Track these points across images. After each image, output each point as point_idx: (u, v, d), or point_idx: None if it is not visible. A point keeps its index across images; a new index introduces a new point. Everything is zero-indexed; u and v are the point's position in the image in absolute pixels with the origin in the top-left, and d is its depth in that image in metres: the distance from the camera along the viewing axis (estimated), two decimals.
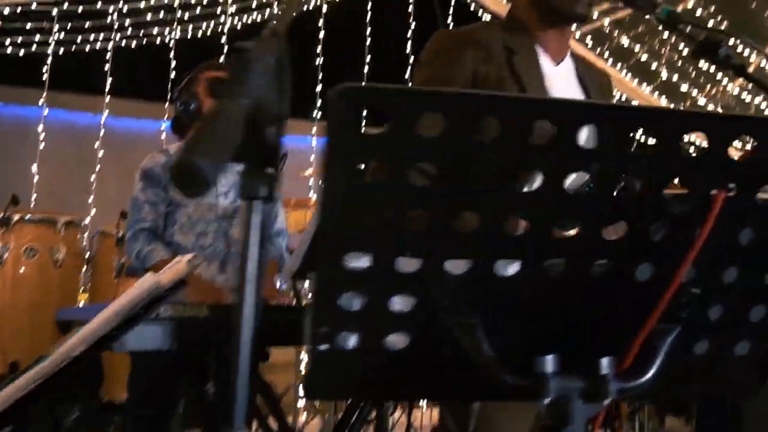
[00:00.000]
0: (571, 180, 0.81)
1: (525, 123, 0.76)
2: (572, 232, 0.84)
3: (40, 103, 6.59)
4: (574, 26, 1.91)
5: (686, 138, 0.79)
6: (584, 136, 0.78)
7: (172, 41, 7.19)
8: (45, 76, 6.69)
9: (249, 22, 7.46)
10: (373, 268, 0.83)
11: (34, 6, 6.47)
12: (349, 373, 0.91)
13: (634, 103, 7.55)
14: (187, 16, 7.15)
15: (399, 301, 0.87)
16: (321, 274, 0.84)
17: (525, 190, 0.81)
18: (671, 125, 0.78)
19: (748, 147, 0.82)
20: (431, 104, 0.75)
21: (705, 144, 0.79)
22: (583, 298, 0.88)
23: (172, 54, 7.10)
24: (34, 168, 6.39)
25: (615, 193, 0.81)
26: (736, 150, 0.83)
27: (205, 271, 2.75)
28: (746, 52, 5.97)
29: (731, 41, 1.42)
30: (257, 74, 0.76)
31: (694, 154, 0.80)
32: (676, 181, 0.83)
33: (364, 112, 0.75)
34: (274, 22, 0.87)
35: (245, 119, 0.73)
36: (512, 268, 0.86)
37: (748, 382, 1.02)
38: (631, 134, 0.78)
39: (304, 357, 4.05)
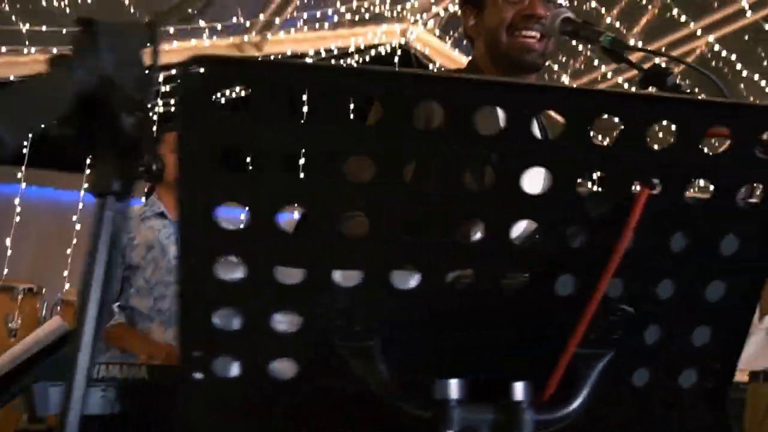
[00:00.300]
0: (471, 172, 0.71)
1: (406, 105, 0.66)
2: (477, 236, 0.74)
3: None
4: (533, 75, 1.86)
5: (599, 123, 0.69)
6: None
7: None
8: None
9: None
10: (249, 278, 0.72)
11: None
12: (230, 406, 0.79)
13: None
14: None
15: (282, 320, 0.76)
16: (186, 285, 0.73)
17: (422, 182, 0.71)
18: (579, 106, 0.68)
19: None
20: (298, 79, 0.66)
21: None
22: (494, 314, 0.77)
23: None
24: (8, 242, 6.32)
25: (522, 190, 0.71)
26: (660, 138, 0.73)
27: (164, 335, 2.65)
28: None
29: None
30: (107, 51, 0.67)
31: (607, 143, 0.71)
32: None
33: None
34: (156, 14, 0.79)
35: (84, 96, 0.64)
36: (412, 281, 0.75)
37: (703, 424, 0.89)
38: (533, 118, 0.69)
39: None
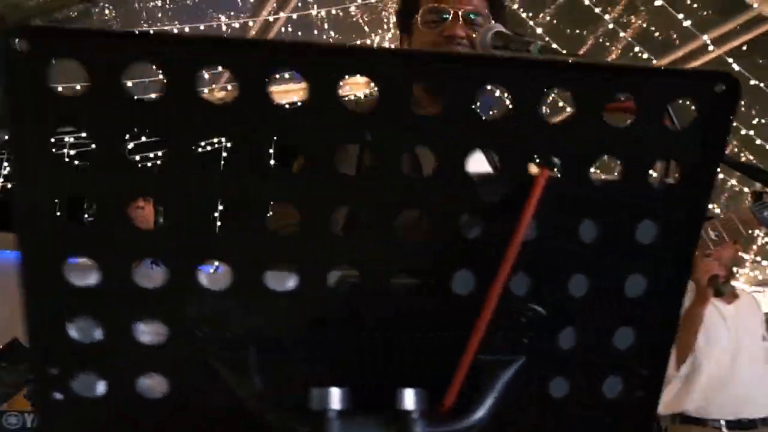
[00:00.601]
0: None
1: (260, 80, 0.59)
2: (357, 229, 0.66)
3: None
4: None
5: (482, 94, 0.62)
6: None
7: None
8: None
9: None
10: (104, 281, 0.64)
11: None
12: (97, 428, 0.70)
13: None
14: None
15: (147, 330, 0.67)
16: (33, 290, 0.64)
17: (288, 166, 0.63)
18: (459, 76, 0.61)
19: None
20: (142, 51, 0.58)
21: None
22: (384, 317, 0.68)
23: None
24: None
25: (402, 172, 0.63)
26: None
27: None
28: None
29: None
30: None
31: (496, 117, 0.63)
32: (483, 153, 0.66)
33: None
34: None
35: None
36: (289, 282, 0.66)
37: None
38: (409, 85, 0.61)
39: None
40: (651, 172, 0.67)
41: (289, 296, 0.65)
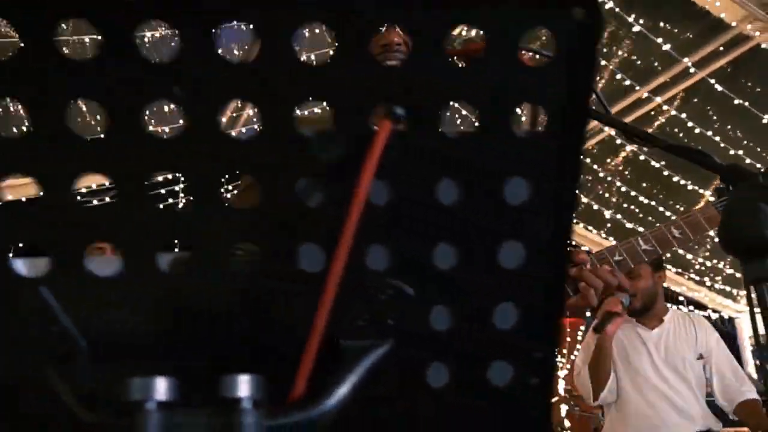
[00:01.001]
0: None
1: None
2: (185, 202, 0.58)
3: None
4: None
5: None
6: None
7: None
8: None
9: None
10: None
11: None
12: None
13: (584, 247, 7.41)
14: None
15: None
16: None
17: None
18: (269, 15, 0.54)
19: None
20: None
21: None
22: (223, 299, 0.60)
23: None
24: None
25: (221, 132, 0.56)
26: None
27: None
28: None
29: None
30: None
31: (321, 61, 0.56)
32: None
33: None
34: None
35: None
36: (112, 266, 0.58)
37: None
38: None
39: None
40: (517, 121, 0.60)
41: (112, 282, 0.58)
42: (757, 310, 1.12)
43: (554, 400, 7.38)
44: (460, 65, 0.57)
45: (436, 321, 0.64)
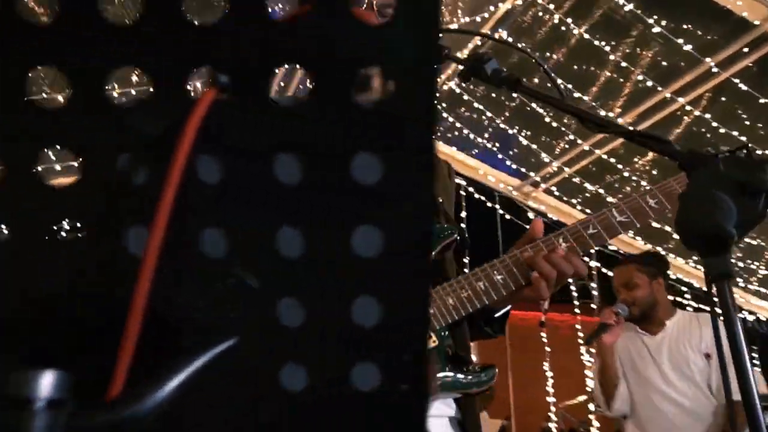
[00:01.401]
0: None
1: None
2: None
3: None
4: None
5: None
6: None
7: None
8: None
9: None
10: None
11: None
12: None
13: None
14: None
15: None
16: None
17: None
18: None
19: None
20: None
21: None
22: (42, 287, 0.54)
23: None
24: None
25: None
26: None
27: None
28: None
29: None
30: None
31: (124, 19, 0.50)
32: None
33: None
34: None
35: None
36: None
37: None
38: None
39: None
40: (360, 87, 0.53)
41: None
42: (718, 310, 1.04)
43: (583, 398, 7.22)
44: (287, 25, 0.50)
45: (286, 316, 0.57)
